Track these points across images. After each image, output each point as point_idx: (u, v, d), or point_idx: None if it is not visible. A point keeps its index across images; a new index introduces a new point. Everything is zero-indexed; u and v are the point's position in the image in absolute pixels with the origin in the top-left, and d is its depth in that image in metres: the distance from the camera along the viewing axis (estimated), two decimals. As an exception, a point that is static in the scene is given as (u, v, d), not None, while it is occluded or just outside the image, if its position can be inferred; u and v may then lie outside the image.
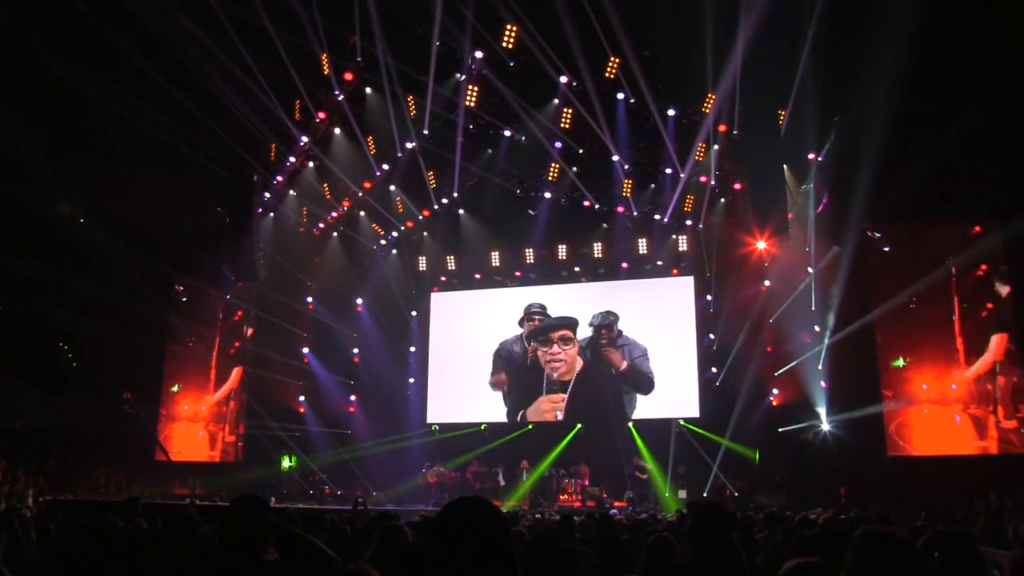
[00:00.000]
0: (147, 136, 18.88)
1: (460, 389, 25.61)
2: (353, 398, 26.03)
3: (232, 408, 25.12)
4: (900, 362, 20.74)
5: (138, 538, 3.68)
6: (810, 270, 21.56)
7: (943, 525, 8.88)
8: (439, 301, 26.93)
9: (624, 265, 25.06)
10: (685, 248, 24.26)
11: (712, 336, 23.96)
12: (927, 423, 20.27)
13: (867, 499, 17.55)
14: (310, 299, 25.52)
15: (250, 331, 25.11)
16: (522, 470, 23.08)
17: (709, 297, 24.17)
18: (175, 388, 25.26)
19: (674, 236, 24.23)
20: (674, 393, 23.72)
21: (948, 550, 4.07)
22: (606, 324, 24.98)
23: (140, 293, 22.24)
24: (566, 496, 22.64)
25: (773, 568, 5.29)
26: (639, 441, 23.51)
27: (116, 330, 21.89)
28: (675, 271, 24.94)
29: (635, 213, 23.59)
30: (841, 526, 7.45)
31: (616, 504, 21.04)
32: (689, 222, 23.70)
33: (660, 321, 24.36)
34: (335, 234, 25.45)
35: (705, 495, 21.47)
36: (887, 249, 21.27)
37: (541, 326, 25.17)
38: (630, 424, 23.84)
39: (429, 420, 25.71)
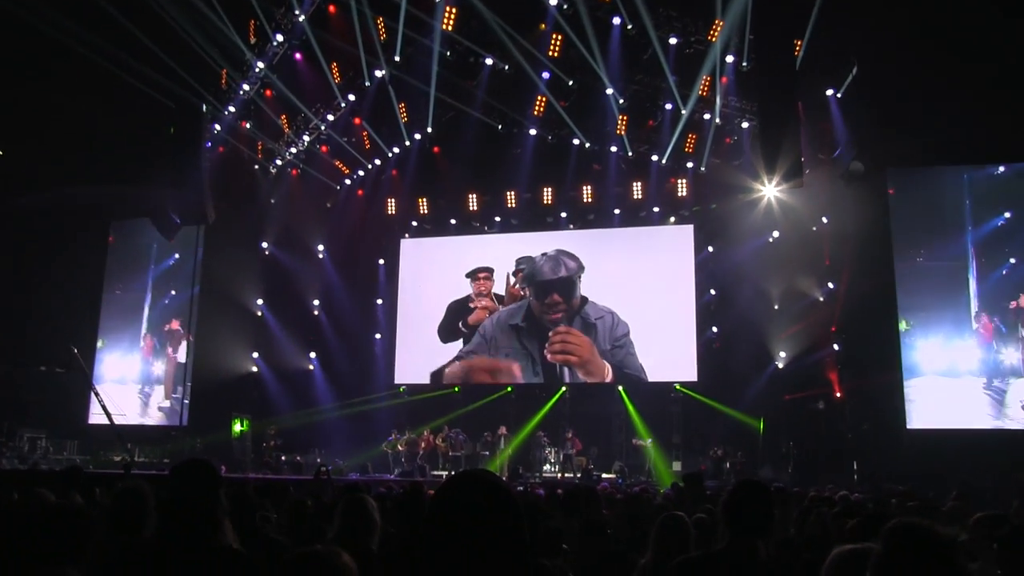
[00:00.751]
0: (81, 60, 18.35)
1: (432, 347, 25.50)
2: (313, 356, 25.89)
3: (174, 365, 25.03)
4: (904, 325, 20.49)
5: (74, 516, 3.32)
6: (824, 220, 21.75)
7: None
8: (410, 249, 26.78)
9: (616, 211, 24.95)
10: (684, 194, 24.17)
11: (713, 292, 24.04)
12: (941, 394, 20.09)
13: (881, 475, 17.92)
14: (265, 245, 25.43)
15: (196, 280, 24.42)
16: (500, 437, 23.15)
17: (710, 248, 24.22)
18: (100, 344, 25.35)
19: (672, 180, 24.16)
20: (669, 354, 23.66)
21: (1013, 542, 3.93)
22: (559, 281, 24.61)
23: (69, 238, 22.13)
24: (550, 467, 22.99)
25: (787, 549, 5.46)
26: (630, 407, 23.77)
27: (42, 280, 21.70)
28: (673, 219, 24.91)
29: (629, 154, 23.48)
30: (885, 509, 7.56)
31: (605, 475, 21.28)
32: (690, 165, 23.62)
33: (655, 274, 24.29)
34: (294, 172, 25.26)
35: (703, 467, 21.45)
36: (908, 198, 21.15)
37: (537, 285, 24.86)
38: (620, 388, 23.96)
39: (397, 381, 25.68)
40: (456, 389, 25.01)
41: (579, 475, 21.59)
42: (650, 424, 23.04)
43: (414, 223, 26.70)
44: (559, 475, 22.04)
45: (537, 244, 25.36)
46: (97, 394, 21.96)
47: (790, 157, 18.52)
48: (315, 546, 2.78)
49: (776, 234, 22.63)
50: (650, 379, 23.64)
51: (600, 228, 25.29)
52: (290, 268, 25.32)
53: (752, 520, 3.69)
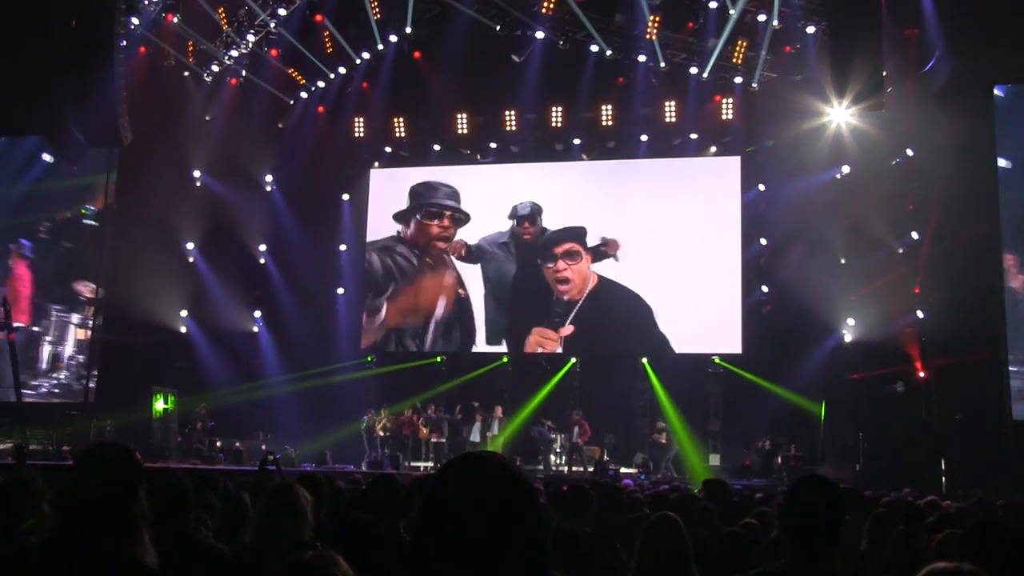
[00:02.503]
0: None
1: (410, 305, 25.43)
2: (258, 315, 25.74)
3: (77, 325, 24.47)
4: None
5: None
6: (910, 152, 21.48)
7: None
8: (382, 181, 26.58)
9: (643, 138, 24.62)
10: (730, 116, 23.78)
11: (764, 242, 23.88)
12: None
13: (975, 478, 17.35)
14: (197, 174, 25.07)
15: (108, 218, 24.41)
16: (494, 419, 23.08)
17: (762, 187, 23.92)
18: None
19: (716, 99, 23.74)
20: (708, 320, 23.53)
21: None
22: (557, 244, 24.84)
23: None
24: (555, 457, 23.03)
25: (860, 566, 5.84)
26: (657, 385, 23.63)
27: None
28: (715, 149, 24.63)
29: (662, 65, 23.10)
30: (988, 519, 6.92)
31: (624, 470, 21.36)
32: (739, 80, 23.24)
33: (690, 219, 24.11)
34: (234, 82, 24.83)
35: (747, 463, 21.99)
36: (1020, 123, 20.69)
37: (542, 240, 24.95)
38: (644, 361, 23.85)
39: (364, 347, 25.60)
40: (439, 359, 25.13)
41: (590, 468, 21.63)
42: (682, 407, 23.01)
43: (388, 149, 26.45)
44: (566, 469, 22.07)
45: (543, 177, 25.29)
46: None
47: (867, 71, 18.49)
48: (306, 553, 2.89)
49: (846, 169, 22.33)
50: (680, 350, 23.54)
51: (622, 159, 25.12)
52: (230, 204, 24.88)
53: (818, 527, 3.71)
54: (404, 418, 23.52)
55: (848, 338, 22.33)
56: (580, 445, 22.46)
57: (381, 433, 23.23)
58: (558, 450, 23.02)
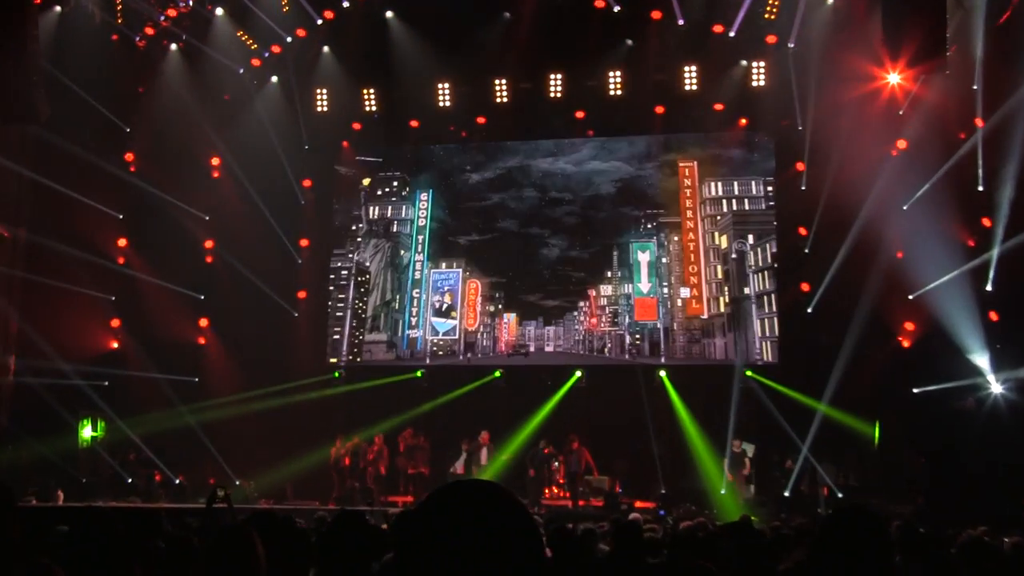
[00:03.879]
0: None
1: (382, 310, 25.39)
2: (204, 324, 25.14)
3: None
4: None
5: None
6: (979, 123, 20.67)
7: None
8: (350, 163, 26.30)
9: (658, 110, 24.06)
10: (763, 83, 23.38)
11: (803, 232, 23.20)
12: None
13: None
14: (130, 157, 24.34)
15: (19, 209, 22.96)
16: (480, 447, 22.51)
17: (800, 167, 23.34)
18: None
19: (744, 63, 23.34)
20: (736, 325, 23.61)
21: None
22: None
23: None
24: (555, 491, 22.84)
25: None
26: (677, 402, 23.04)
27: None
28: (743, 121, 24.08)
29: (680, 22, 22.75)
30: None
31: (639, 504, 20.83)
32: (771, 39, 22.81)
33: (715, 204, 24.05)
34: (173, 47, 24.29)
35: (787, 494, 21.37)
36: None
37: None
38: (662, 373, 23.46)
39: (332, 360, 25.46)
40: (419, 373, 24.70)
41: (585, 498, 21.76)
42: (707, 428, 22.43)
43: (356, 125, 25.70)
44: (571, 503, 21.78)
45: (540, 158, 25.29)
46: None
47: (927, 26, 18.35)
48: None
49: (902, 145, 21.76)
50: (703, 361, 23.67)
51: (634, 135, 24.86)
52: (169, 192, 24.09)
53: (858, 570, 3.65)
54: (372, 447, 23.00)
55: (907, 344, 22.05)
56: (579, 474, 22.11)
57: (348, 462, 22.78)
58: (560, 482, 22.73)
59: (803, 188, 23.14)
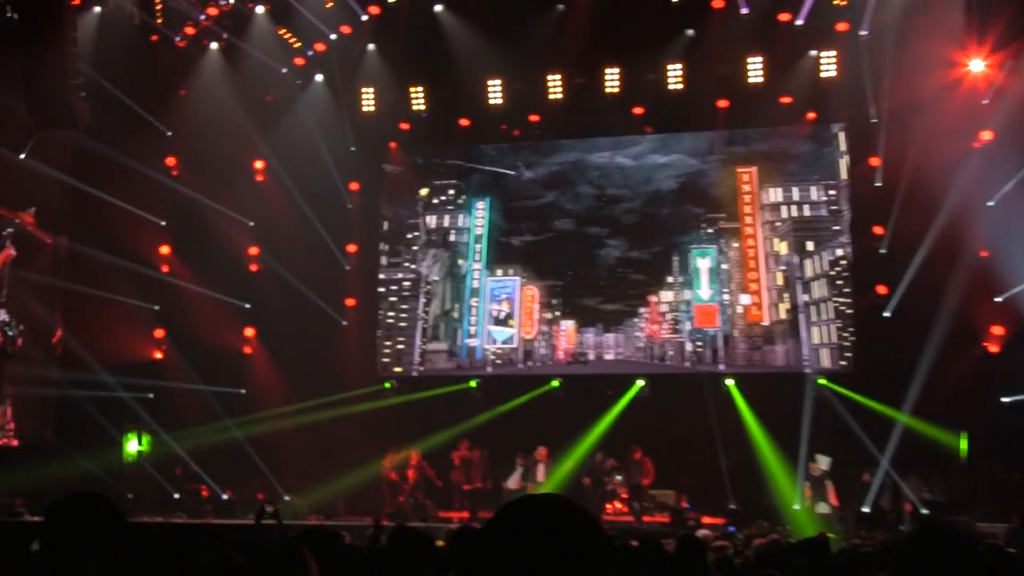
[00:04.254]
0: None
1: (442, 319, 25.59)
2: (250, 334, 25.14)
3: (22, 349, 22.57)
4: None
5: None
6: None
7: None
8: (399, 165, 26.23)
9: (721, 104, 23.71)
10: (833, 73, 22.98)
11: (879, 231, 22.84)
12: None
13: None
14: (172, 161, 24.39)
15: (60, 216, 22.82)
16: (536, 463, 22.33)
17: (874, 161, 22.93)
18: None
19: (813, 53, 22.97)
20: (808, 330, 23.34)
21: None
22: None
23: None
24: (617, 506, 22.57)
25: None
26: (746, 413, 22.76)
27: None
28: (812, 115, 23.68)
29: (744, 10, 22.36)
30: None
31: (706, 520, 20.40)
32: (842, 26, 22.54)
33: (783, 202, 23.94)
34: (214, 46, 24.17)
35: (866, 509, 20.88)
36: None
37: None
38: (729, 382, 23.16)
39: (382, 371, 25.35)
40: (473, 384, 24.55)
41: (650, 513, 21.43)
42: (778, 440, 21.95)
43: (404, 126, 25.56)
44: (634, 519, 21.26)
45: (596, 152, 25.13)
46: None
47: (1014, 7, 18.67)
48: None
49: (987, 136, 21.24)
50: (773, 369, 23.47)
51: (696, 130, 24.66)
52: (212, 198, 24.07)
53: None
54: (412, 461, 22.87)
55: (996, 350, 21.37)
56: (642, 487, 21.79)
57: (394, 476, 22.53)
58: (622, 496, 22.45)
59: (878, 184, 22.74)
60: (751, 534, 17.03)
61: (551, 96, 24.24)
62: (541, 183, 25.14)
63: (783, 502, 21.19)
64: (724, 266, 23.91)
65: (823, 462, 21.62)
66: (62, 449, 21.70)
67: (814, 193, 23.75)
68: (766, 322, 23.45)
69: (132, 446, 22.87)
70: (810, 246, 23.46)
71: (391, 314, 25.55)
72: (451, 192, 25.81)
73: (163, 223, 24.31)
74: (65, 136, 21.90)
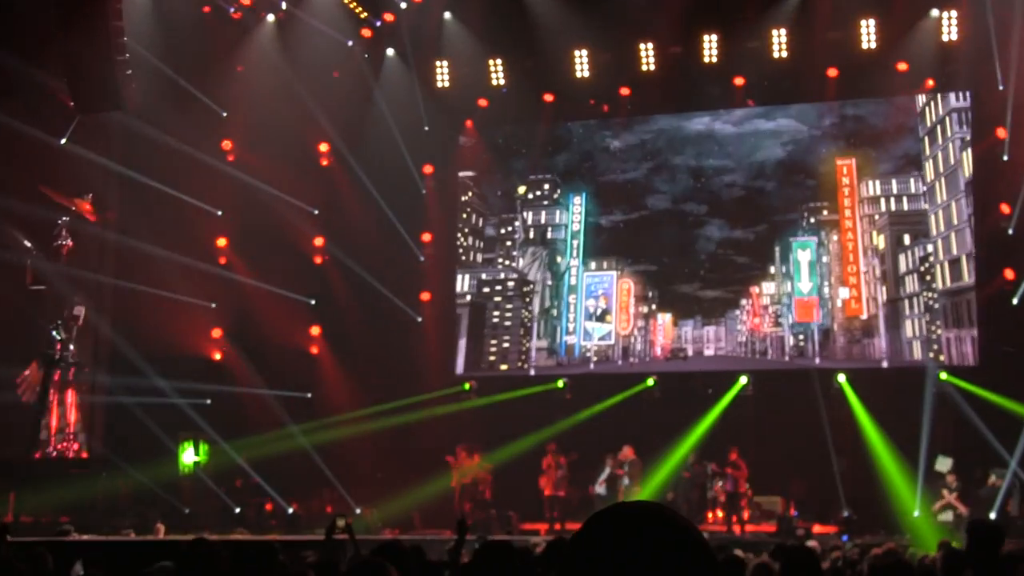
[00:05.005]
0: None
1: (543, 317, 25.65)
2: (316, 332, 24.84)
3: (72, 354, 22.50)
4: None
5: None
6: None
7: None
8: (476, 145, 25.94)
9: (831, 73, 23.09)
10: (955, 37, 22.07)
11: (1006, 209, 22.11)
12: None
13: None
14: (228, 145, 24.01)
15: (108, 207, 23.00)
16: (622, 465, 22.03)
17: (1001, 133, 22.07)
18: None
19: (934, 13, 22.18)
20: (927, 320, 23.00)
21: None
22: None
23: None
24: (719, 515, 22.14)
25: None
26: (860, 411, 21.99)
27: None
28: (930, 83, 23.10)
29: None
30: None
31: (818, 529, 20.24)
32: None
33: (901, 179, 23.61)
34: (271, 18, 23.86)
35: (993, 515, 19.94)
36: None
37: None
38: (841, 378, 22.50)
39: (460, 371, 25.08)
40: (560, 384, 24.15)
41: (755, 522, 21.46)
42: (895, 440, 21.22)
43: (482, 102, 24.92)
44: (738, 527, 21.09)
45: (692, 124, 24.72)
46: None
47: None
48: None
49: None
50: (889, 363, 22.96)
51: (803, 101, 24.10)
52: (273, 184, 23.65)
53: None
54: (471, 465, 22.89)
55: None
56: (737, 493, 21.47)
57: (464, 479, 22.38)
58: (721, 501, 21.99)
59: (1005, 158, 21.86)
60: (866, 543, 16.57)
61: (643, 67, 23.52)
62: (634, 157, 24.81)
63: (902, 508, 20.49)
64: (824, 259, 23.79)
65: (945, 464, 21.14)
66: (112, 461, 21.73)
67: (912, 185, 23.51)
68: (864, 316, 23.36)
69: (188, 456, 22.65)
70: (907, 239, 23.33)
71: (496, 313, 25.49)
72: (546, 187, 25.60)
73: (219, 212, 23.84)
74: (111, 119, 21.54)
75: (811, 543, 17.15)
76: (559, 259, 25.46)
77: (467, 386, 24.55)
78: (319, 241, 24.81)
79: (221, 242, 24.04)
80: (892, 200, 23.74)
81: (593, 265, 25.27)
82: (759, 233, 24.03)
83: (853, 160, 23.83)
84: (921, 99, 23.43)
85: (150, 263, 22.19)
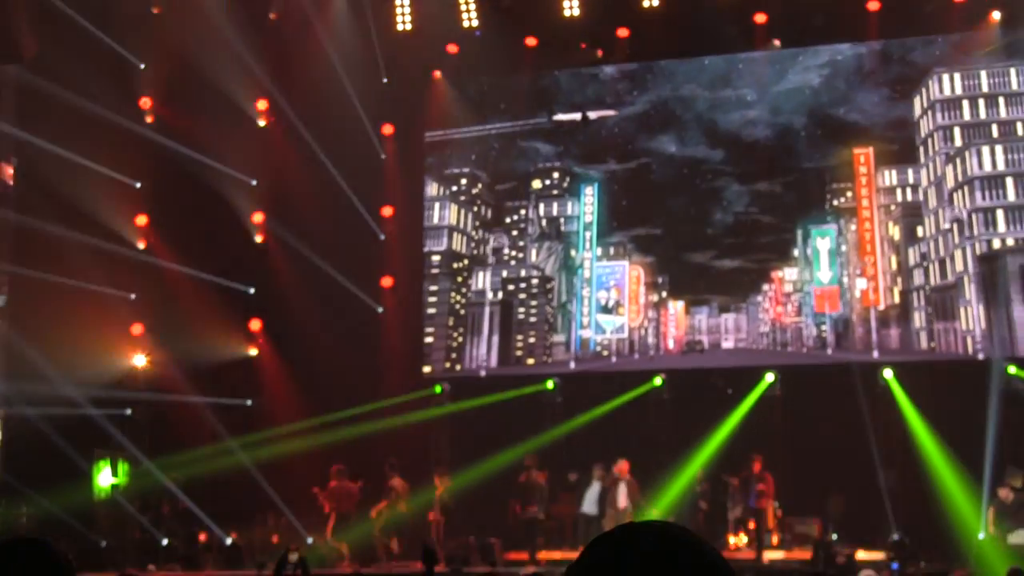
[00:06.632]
0: None
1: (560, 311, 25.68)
2: (256, 327, 23.92)
3: None
4: None
5: None
6: None
7: None
8: (446, 102, 24.92)
9: (872, 6, 22.06)
10: None
11: None
12: None
13: None
14: (147, 103, 23.15)
15: (3, 180, 22.03)
16: (616, 480, 20.95)
17: None
18: None
19: None
20: (987, 307, 22.27)
21: None
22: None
23: None
24: (744, 539, 21.14)
25: None
26: (910, 412, 20.88)
27: None
28: (994, 16, 21.93)
29: None
30: None
31: (861, 556, 19.42)
32: None
33: (943, 133, 22.87)
34: None
35: None
36: None
37: None
38: (888, 373, 21.67)
39: (429, 371, 24.41)
40: (551, 385, 23.26)
41: (787, 547, 20.54)
42: (953, 446, 19.93)
43: (452, 48, 23.91)
44: (756, 553, 20.03)
45: (703, 79, 23.80)
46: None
47: None
48: None
49: None
50: (943, 355, 22.35)
51: (835, 41, 22.92)
52: (201, 150, 22.59)
53: None
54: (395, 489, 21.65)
55: None
56: (762, 511, 20.31)
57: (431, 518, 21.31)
58: (741, 519, 21.12)
59: None
60: (922, 573, 17.69)
61: (645, 3, 22.47)
62: (626, 82, 23.85)
63: (963, 531, 19.18)
64: (843, 248, 23.61)
65: (1017, 478, 19.22)
66: (10, 485, 20.52)
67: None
68: (881, 306, 22.99)
69: (105, 478, 21.81)
70: (921, 230, 23.20)
71: (521, 310, 25.04)
72: (556, 176, 25.01)
73: (138, 185, 22.71)
74: (5, 73, 21.06)
75: (866, 572, 16.63)
76: (573, 252, 25.08)
77: (438, 389, 23.69)
78: (259, 218, 23.77)
79: (141, 220, 22.96)
80: (908, 190, 23.47)
81: (600, 252, 24.83)
82: (789, 185, 23.30)
83: (871, 149, 23.33)
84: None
85: (54, 246, 20.84)
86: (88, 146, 21.15)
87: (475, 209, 25.13)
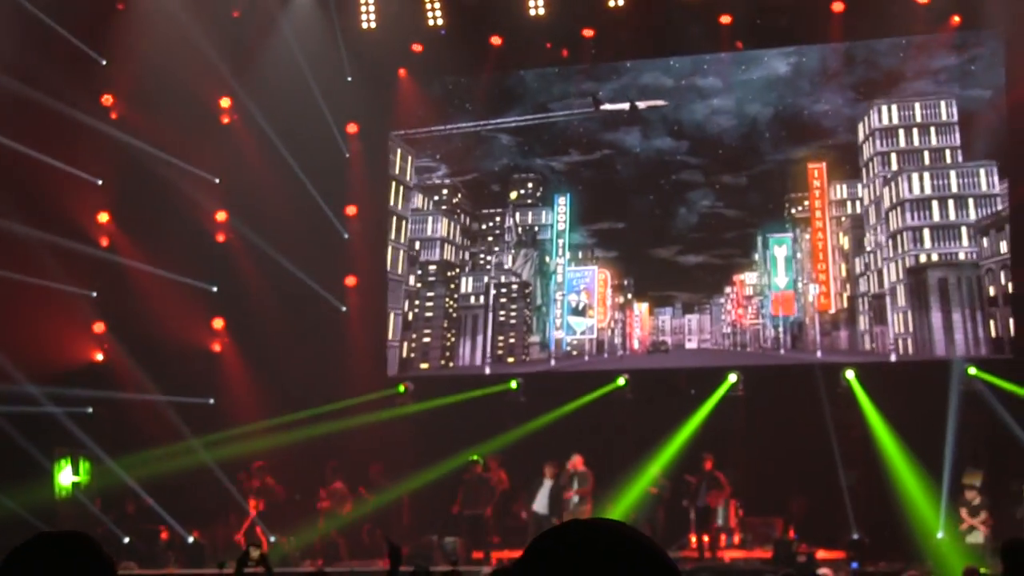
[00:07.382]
0: None
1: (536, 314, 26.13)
2: (219, 326, 24.21)
3: None
4: None
5: None
6: None
7: None
8: (413, 100, 25.21)
9: (836, 8, 22.28)
10: None
11: None
12: None
13: None
14: (109, 100, 23.21)
15: None
16: (572, 477, 21.47)
17: None
18: None
19: None
20: (951, 305, 22.97)
21: None
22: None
23: None
24: (705, 540, 21.31)
25: None
26: (871, 413, 21.31)
27: None
28: (956, 19, 22.26)
29: None
30: None
31: (822, 555, 19.89)
32: None
33: (912, 144, 23.50)
34: None
35: None
36: None
37: None
38: (848, 373, 22.15)
39: (394, 372, 24.58)
40: (514, 384, 23.48)
41: (747, 547, 21.05)
42: (914, 447, 20.42)
43: (416, 47, 24.08)
44: (711, 552, 20.80)
45: (669, 82, 24.08)
46: None
47: None
48: None
49: None
50: (904, 356, 22.96)
51: (799, 45, 23.37)
52: (164, 148, 22.68)
53: None
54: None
55: None
56: (710, 508, 20.93)
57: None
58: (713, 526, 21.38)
59: None
60: (881, 572, 18.13)
61: (610, 2, 22.67)
62: (588, 77, 24.24)
63: (922, 529, 19.79)
64: (798, 255, 24.26)
65: (974, 477, 20.14)
66: None
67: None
68: (832, 310, 23.86)
69: (66, 477, 21.86)
70: (865, 243, 23.83)
71: (502, 313, 25.58)
72: (530, 185, 25.59)
73: (100, 182, 22.87)
74: None
75: (822, 571, 16.90)
76: (547, 259, 25.71)
77: (402, 388, 23.74)
78: (221, 216, 24.01)
79: (102, 218, 23.16)
80: (858, 203, 24.32)
81: (570, 255, 25.48)
82: (753, 177, 23.63)
83: (824, 164, 24.02)
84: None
85: (14, 244, 20.61)
86: (50, 143, 21.24)
87: (456, 216, 25.53)
